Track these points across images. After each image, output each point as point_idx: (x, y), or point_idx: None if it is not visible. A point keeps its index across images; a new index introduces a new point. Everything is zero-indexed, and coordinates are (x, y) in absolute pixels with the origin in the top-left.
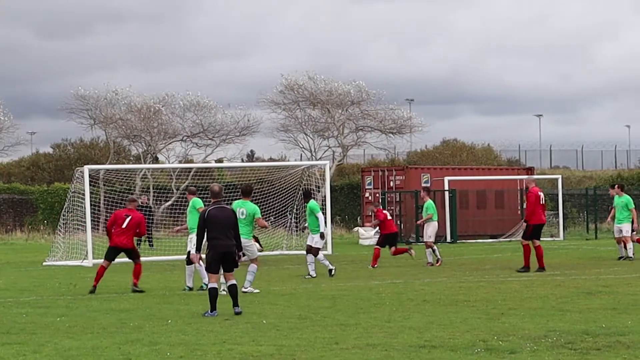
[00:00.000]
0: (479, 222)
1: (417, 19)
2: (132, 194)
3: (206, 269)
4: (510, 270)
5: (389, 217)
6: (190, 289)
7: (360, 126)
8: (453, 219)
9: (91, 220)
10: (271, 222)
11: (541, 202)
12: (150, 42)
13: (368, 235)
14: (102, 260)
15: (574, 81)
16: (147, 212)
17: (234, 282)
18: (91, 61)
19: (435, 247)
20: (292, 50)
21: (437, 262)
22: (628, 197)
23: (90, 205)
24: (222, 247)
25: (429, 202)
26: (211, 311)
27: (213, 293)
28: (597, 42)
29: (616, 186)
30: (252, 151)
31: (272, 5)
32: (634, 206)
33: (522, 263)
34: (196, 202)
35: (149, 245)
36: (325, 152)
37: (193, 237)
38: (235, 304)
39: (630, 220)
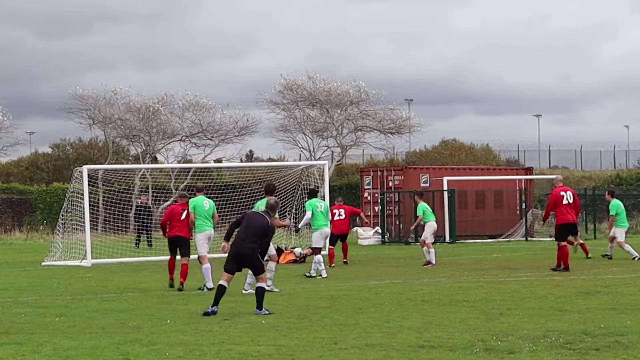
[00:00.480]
0: (477, 222)
1: (416, 18)
2: (131, 194)
3: (224, 266)
4: (509, 270)
5: (339, 217)
6: (210, 289)
7: (359, 126)
8: (452, 219)
9: (90, 220)
10: None
11: (564, 202)
12: (149, 42)
13: (367, 235)
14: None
15: (573, 81)
16: (146, 212)
17: (261, 285)
18: (90, 61)
19: (431, 249)
20: (291, 50)
21: (428, 264)
22: (613, 202)
23: (89, 205)
24: (238, 247)
25: (420, 204)
26: (212, 306)
27: (220, 290)
28: (596, 43)
29: (607, 193)
30: (251, 151)
31: (270, 5)
32: (614, 213)
33: (514, 265)
34: (190, 202)
35: (148, 245)
36: (324, 152)
37: (197, 237)
38: (258, 307)
39: (619, 225)
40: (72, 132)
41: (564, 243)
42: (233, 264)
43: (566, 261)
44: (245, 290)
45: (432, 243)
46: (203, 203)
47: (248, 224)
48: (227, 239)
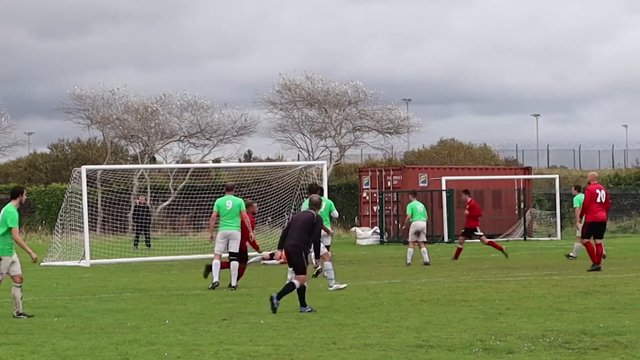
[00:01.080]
0: None
1: (414, 18)
2: (129, 194)
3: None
4: (508, 269)
5: None
6: (234, 287)
7: (358, 126)
8: (450, 218)
9: (88, 220)
10: (269, 222)
11: (597, 200)
12: (147, 42)
13: (365, 235)
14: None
15: (571, 81)
16: (145, 213)
17: (295, 282)
18: (88, 61)
19: (411, 250)
20: (289, 50)
21: (406, 263)
22: (578, 196)
23: (88, 205)
24: (287, 245)
25: (409, 204)
26: (302, 307)
27: (300, 291)
28: (594, 43)
29: (573, 187)
30: (249, 151)
31: (268, 5)
32: (577, 205)
33: (509, 264)
34: (216, 202)
35: (147, 245)
36: (322, 152)
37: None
38: (278, 296)
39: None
40: (70, 132)
41: (589, 240)
42: (289, 262)
43: (593, 257)
44: (330, 287)
45: (424, 242)
46: (225, 203)
47: (294, 221)
48: (280, 248)
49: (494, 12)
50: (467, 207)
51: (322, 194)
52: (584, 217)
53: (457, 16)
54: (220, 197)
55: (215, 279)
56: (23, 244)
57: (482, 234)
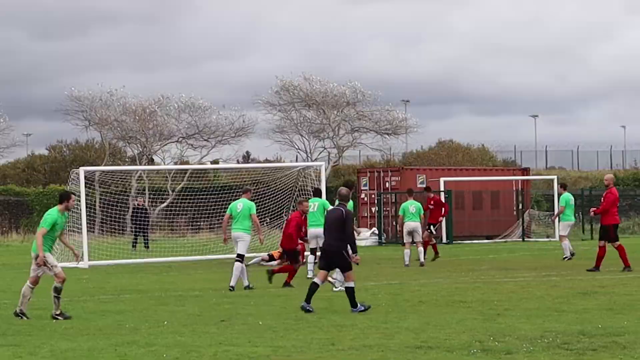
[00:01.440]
0: (474, 223)
1: (412, 19)
2: (127, 195)
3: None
4: (507, 270)
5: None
6: (232, 288)
7: (356, 127)
8: (449, 219)
9: (87, 222)
10: (267, 223)
11: (617, 203)
12: (144, 43)
13: (364, 236)
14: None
15: (570, 82)
16: (143, 214)
17: (348, 284)
18: (86, 62)
19: (407, 251)
20: (287, 51)
21: (405, 264)
22: (564, 194)
23: (86, 207)
24: (324, 244)
25: (403, 204)
26: (306, 302)
27: (312, 287)
28: (592, 43)
29: (560, 185)
30: (247, 152)
31: (266, 6)
32: (563, 205)
33: (509, 264)
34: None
35: (145, 246)
36: (320, 153)
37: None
38: (352, 305)
39: (565, 219)
40: (68, 133)
41: (619, 242)
42: (321, 261)
43: (625, 259)
44: (336, 288)
45: (420, 242)
46: (237, 205)
47: (326, 221)
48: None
49: (494, 12)
50: (431, 202)
51: (321, 195)
52: (592, 218)
53: (456, 16)
54: (222, 198)
55: (246, 283)
56: (40, 245)
57: (434, 232)
